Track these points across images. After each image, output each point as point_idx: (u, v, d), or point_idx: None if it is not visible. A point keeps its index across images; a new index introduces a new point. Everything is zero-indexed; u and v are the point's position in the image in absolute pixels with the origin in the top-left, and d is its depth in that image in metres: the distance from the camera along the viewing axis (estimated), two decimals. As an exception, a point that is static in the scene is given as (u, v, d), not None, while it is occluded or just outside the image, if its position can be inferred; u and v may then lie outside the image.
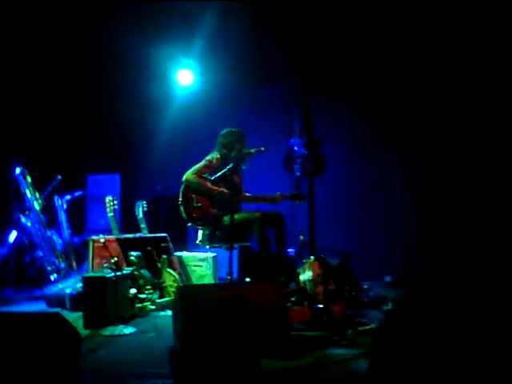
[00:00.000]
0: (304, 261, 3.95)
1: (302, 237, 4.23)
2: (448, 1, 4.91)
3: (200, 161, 4.50)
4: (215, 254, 4.82)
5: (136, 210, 5.09)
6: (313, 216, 5.83)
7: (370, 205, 5.65)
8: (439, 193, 5.32)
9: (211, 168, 4.33)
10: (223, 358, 2.84)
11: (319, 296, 3.64)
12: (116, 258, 3.93)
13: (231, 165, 3.96)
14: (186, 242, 5.65)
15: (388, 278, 5.27)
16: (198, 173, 4.33)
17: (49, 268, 5.01)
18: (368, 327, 3.39)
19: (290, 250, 4.87)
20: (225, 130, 4.54)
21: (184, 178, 4.33)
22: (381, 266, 5.34)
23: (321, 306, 3.56)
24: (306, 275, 3.78)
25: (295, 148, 5.82)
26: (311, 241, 5.48)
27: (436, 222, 5.35)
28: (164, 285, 4.57)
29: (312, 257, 3.90)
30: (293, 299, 3.58)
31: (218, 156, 4.40)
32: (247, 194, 4.61)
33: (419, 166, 5.43)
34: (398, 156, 5.53)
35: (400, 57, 5.45)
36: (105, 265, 4.17)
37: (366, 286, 4.23)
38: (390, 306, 3.84)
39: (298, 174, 5.75)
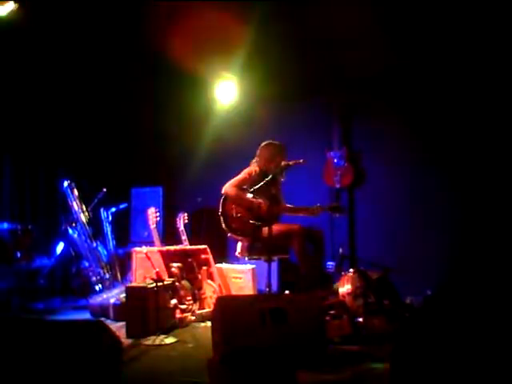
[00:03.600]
0: (343, 274, 3.91)
1: (341, 249, 4.21)
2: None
3: (239, 173, 4.57)
4: (254, 266, 4.85)
5: (177, 222, 5.18)
6: (352, 228, 5.80)
7: (411, 218, 5.53)
8: (482, 206, 5.17)
9: (250, 180, 4.39)
10: (261, 370, 2.86)
11: (359, 309, 3.60)
12: (158, 269, 4.02)
13: (270, 176, 4.00)
14: (226, 254, 5.71)
15: (430, 292, 5.15)
16: (237, 185, 4.41)
17: (94, 278, 5.16)
18: (409, 342, 3.32)
19: (329, 263, 4.86)
20: (266, 142, 4.60)
21: (223, 190, 4.42)
22: (423, 279, 5.22)
23: (360, 319, 3.52)
24: (345, 288, 3.75)
25: (335, 160, 5.81)
26: (351, 254, 5.44)
27: (480, 235, 5.20)
28: (204, 296, 4.62)
29: (351, 270, 3.87)
30: (332, 312, 3.55)
31: (257, 169, 4.47)
32: (287, 205, 4.63)
33: (461, 179, 5.29)
34: (440, 169, 5.42)
35: (440, 67, 5.36)
36: (147, 276, 4.27)
37: (407, 301, 4.16)
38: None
39: (337, 186, 5.74)
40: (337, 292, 3.82)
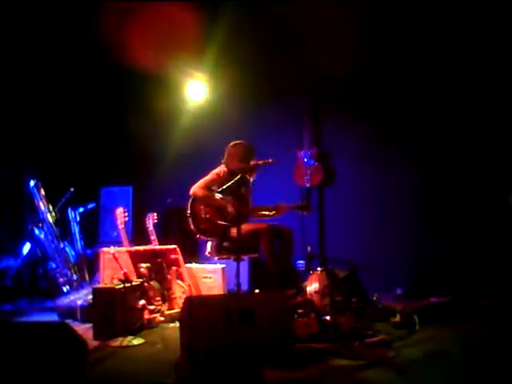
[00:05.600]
0: (311, 272, 3.95)
1: (309, 248, 4.24)
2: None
3: (209, 173, 4.56)
4: (224, 266, 4.85)
5: (147, 222, 5.14)
6: (322, 227, 5.85)
7: (381, 216, 5.63)
8: (452, 203, 5.30)
9: (218, 181, 4.39)
10: (228, 369, 2.86)
11: (326, 308, 3.64)
12: (125, 270, 3.98)
13: (239, 176, 3.99)
14: (197, 254, 5.69)
15: (399, 290, 5.23)
16: (206, 186, 4.40)
17: (61, 279, 5.07)
18: (375, 339, 3.38)
19: (300, 262, 4.89)
20: (234, 142, 4.59)
21: (191, 191, 4.40)
22: (392, 277, 5.31)
23: (328, 317, 3.55)
24: (312, 287, 3.78)
25: (305, 159, 5.85)
26: (320, 252, 5.49)
27: (449, 232, 5.32)
28: (173, 296, 4.60)
29: (319, 268, 3.90)
30: (300, 311, 3.58)
31: (225, 169, 4.46)
32: (253, 206, 4.65)
33: (430, 177, 5.41)
34: (409, 167, 5.52)
35: (407, 67, 5.46)
36: (115, 276, 4.22)
37: (374, 298, 4.21)
38: (397, 317, 3.81)
39: (307, 185, 5.78)
40: (305, 290, 3.85)
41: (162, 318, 4.28)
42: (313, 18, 5.42)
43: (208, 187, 4.40)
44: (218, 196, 4.38)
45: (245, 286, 4.99)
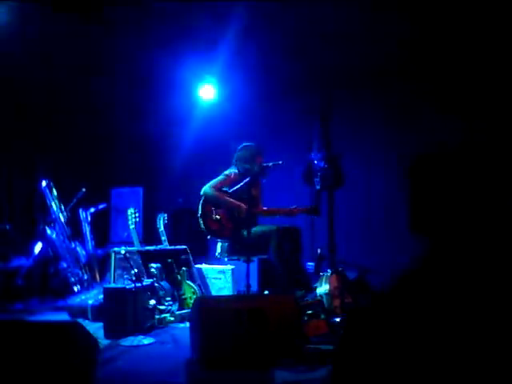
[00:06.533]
0: (321, 274, 3.95)
1: (319, 250, 4.24)
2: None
3: (219, 175, 4.58)
4: (234, 267, 4.86)
5: (157, 223, 5.17)
6: (332, 229, 5.84)
7: (390, 218, 5.62)
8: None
9: (229, 182, 4.41)
10: (238, 369, 2.87)
11: (336, 309, 3.64)
12: (136, 270, 4.00)
13: (248, 178, 4.01)
14: (207, 255, 5.71)
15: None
16: (216, 186, 4.43)
17: (72, 279, 5.11)
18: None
19: (309, 264, 4.89)
20: (242, 145, 4.62)
21: (202, 191, 4.43)
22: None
23: (338, 319, 3.55)
24: (323, 288, 3.78)
25: (315, 162, 5.84)
26: (330, 254, 5.49)
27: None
28: (184, 297, 4.62)
29: (329, 270, 3.91)
30: (309, 312, 3.58)
31: (236, 170, 4.49)
32: (265, 208, 4.66)
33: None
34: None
35: (416, 68, 5.45)
36: (125, 276, 4.25)
37: (384, 300, 4.20)
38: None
39: (317, 187, 5.77)
40: (315, 292, 3.85)
41: (173, 318, 4.30)
42: (322, 16, 5.41)
43: (218, 188, 4.42)
44: (229, 197, 4.39)
45: (254, 288, 5.00)
